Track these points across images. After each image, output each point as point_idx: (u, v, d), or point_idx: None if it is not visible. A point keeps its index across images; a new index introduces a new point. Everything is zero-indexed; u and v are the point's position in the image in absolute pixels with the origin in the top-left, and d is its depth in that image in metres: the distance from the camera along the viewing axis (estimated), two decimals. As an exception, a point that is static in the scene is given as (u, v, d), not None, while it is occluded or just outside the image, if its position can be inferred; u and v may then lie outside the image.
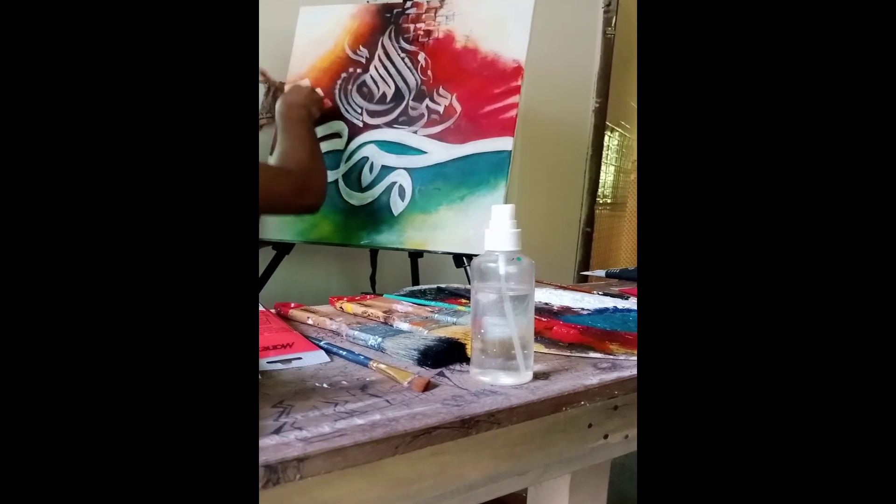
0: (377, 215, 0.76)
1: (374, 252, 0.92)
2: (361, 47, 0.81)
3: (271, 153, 0.74)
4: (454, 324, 0.48)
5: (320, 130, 0.80)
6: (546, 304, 0.60)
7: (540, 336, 0.46)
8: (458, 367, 0.38)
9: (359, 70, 0.81)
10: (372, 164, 0.78)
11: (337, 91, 0.82)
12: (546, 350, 0.42)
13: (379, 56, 0.79)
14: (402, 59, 0.78)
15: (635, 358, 0.40)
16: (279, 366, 0.37)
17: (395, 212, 0.75)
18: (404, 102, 0.77)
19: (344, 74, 0.81)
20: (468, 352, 0.38)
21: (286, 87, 0.79)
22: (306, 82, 0.80)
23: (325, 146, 0.81)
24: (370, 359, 0.38)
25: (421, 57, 0.77)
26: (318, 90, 0.78)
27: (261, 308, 0.49)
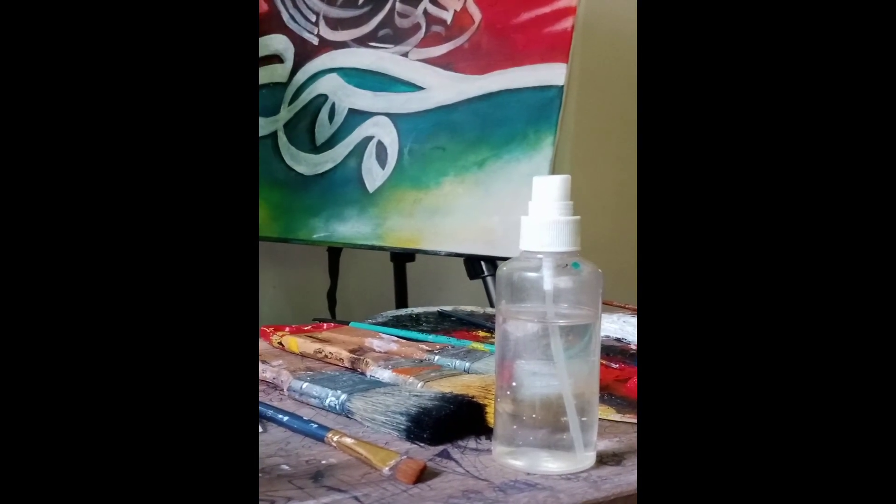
0: (340, 192, 0.76)
1: (334, 253, 0.92)
2: (319, -85, 0.81)
3: None
4: (466, 372, 0.49)
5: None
6: (619, 340, 0.60)
7: (609, 394, 0.46)
8: (472, 442, 0.38)
9: (314, -48, 0.81)
10: (333, 106, 0.78)
11: (277, -14, 0.82)
12: (619, 417, 0.43)
13: (347, -72, 0.80)
14: (386, -67, 0.78)
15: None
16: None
17: (371, 186, 0.75)
18: (388, 5, 0.77)
19: (289, -41, 0.82)
20: (490, 419, 0.38)
21: None
22: None
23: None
24: (328, 428, 0.39)
25: (416, -70, 0.77)
26: None
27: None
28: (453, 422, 0.39)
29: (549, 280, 0.35)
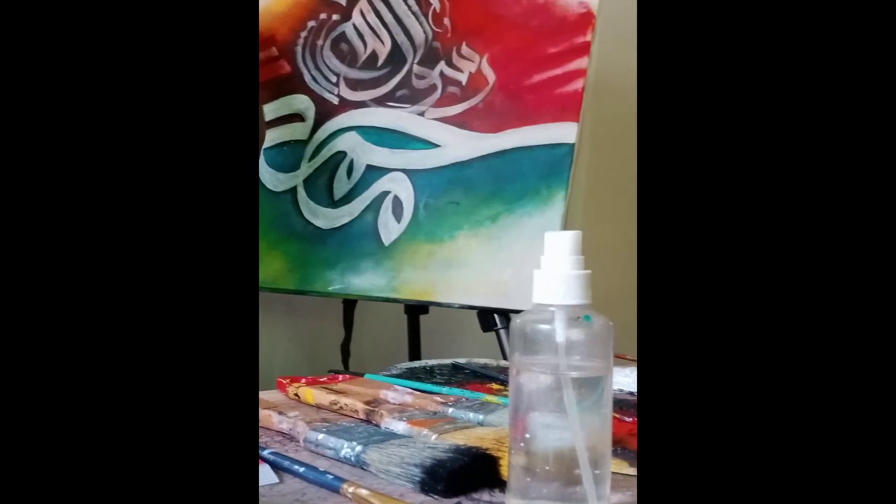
0: (356, 245, 0.77)
1: (349, 305, 0.93)
2: (341, -17, 0.85)
3: None
4: (479, 424, 0.49)
5: (269, 109, 0.83)
6: (632, 393, 0.60)
7: (622, 448, 0.45)
8: (486, 495, 0.38)
9: (335, 16, 0.84)
10: (352, 162, 0.80)
11: (299, 49, 0.85)
12: (632, 471, 0.42)
13: (368, -5, 0.83)
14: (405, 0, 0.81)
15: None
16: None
17: (386, 240, 0.76)
18: (405, 67, 0.80)
19: (312, 23, 0.85)
20: (503, 471, 0.38)
21: None
22: None
23: (279, 133, 0.84)
24: (344, 480, 0.38)
25: (433, -2, 0.80)
26: None
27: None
28: (467, 474, 0.39)
29: (561, 332, 0.35)
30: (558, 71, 0.72)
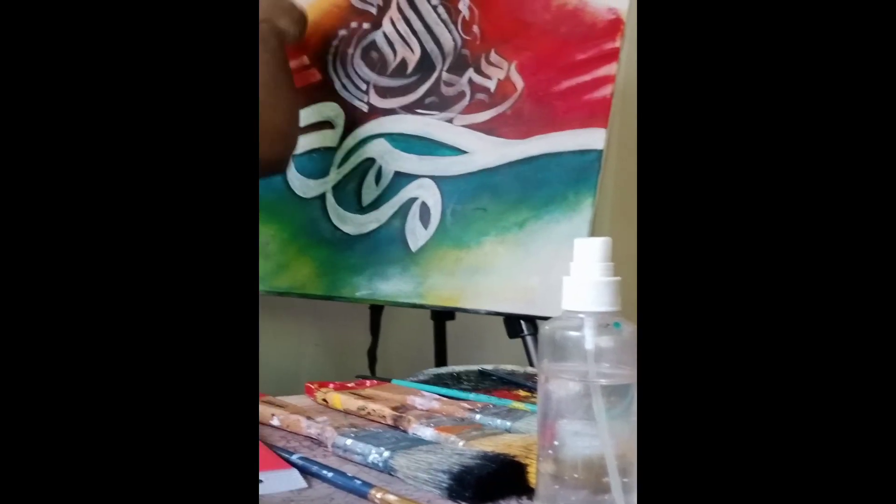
0: (383, 251, 0.78)
1: (375, 311, 0.93)
2: (371, -9, 0.86)
3: None
4: (507, 431, 0.49)
5: (304, 115, 0.84)
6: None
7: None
8: (513, 502, 0.39)
9: (366, 25, 0.84)
10: (380, 169, 0.81)
11: (331, 58, 0.86)
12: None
13: (398, 4, 0.83)
14: (434, 8, 0.81)
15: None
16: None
17: (414, 246, 0.77)
18: (434, 74, 0.80)
19: (343, 32, 0.86)
20: (531, 479, 0.38)
21: None
22: None
23: (309, 140, 0.85)
24: (371, 485, 0.39)
25: (463, 4, 0.79)
26: None
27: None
28: (495, 481, 0.39)
29: (590, 339, 0.35)
30: (587, 77, 0.72)
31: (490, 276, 0.72)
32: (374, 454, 0.43)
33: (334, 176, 0.83)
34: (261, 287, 0.82)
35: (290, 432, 0.50)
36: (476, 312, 0.73)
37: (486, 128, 0.76)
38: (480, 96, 0.77)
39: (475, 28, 0.79)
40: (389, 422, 0.52)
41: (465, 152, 0.77)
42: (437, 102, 0.79)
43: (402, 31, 0.83)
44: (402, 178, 0.79)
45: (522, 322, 0.73)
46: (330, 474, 0.41)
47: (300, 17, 0.79)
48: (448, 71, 0.80)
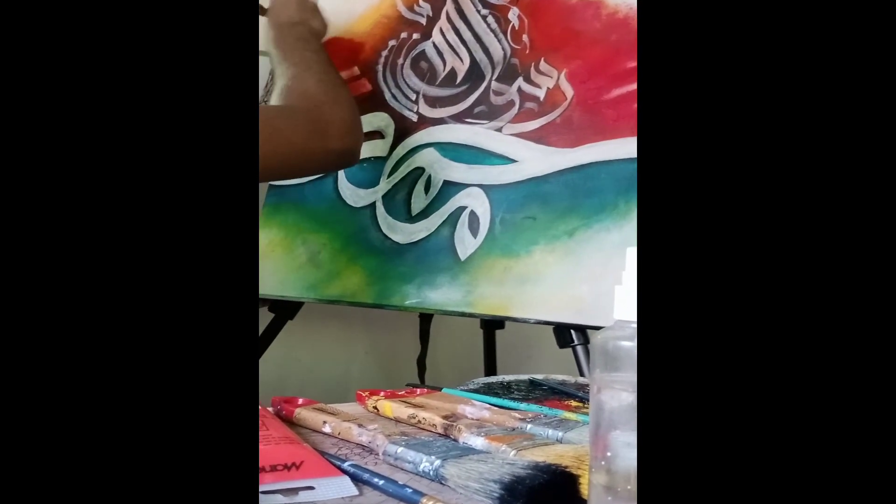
0: (433, 260, 0.78)
1: (425, 319, 0.94)
2: (422, 1, 0.86)
3: (266, 98, 0.78)
4: (559, 441, 0.48)
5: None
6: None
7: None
8: (567, 515, 0.38)
9: (416, 35, 0.85)
10: (430, 178, 0.81)
11: (380, 68, 0.87)
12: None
13: (448, 14, 0.84)
14: (484, 17, 0.81)
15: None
16: (280, 498, 0.38)
17: (463, 255, 0.76)
18: (484, 84, 0.80)
19: (392, 42, 0.87)
20: (583, 490, 0.37)
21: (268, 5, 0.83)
22: None
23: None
24: (423, 494, 0.39)
25: (513, 14, 0.80)
26: None
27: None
28: (547, 491, 0.38)
29: None
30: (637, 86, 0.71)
31: (539, 285, 0.71)
32: (426, 462, 0.43)
33: (384, 185, 0.84)
34: (312, 295, 0.84)
35: (342, 440, 0.51)
36: (525, 321, 0.73)
37: (536, 136, 0.76)
38: (530, 105, 0.77)
39: (525, 37, 0.79)
40: (440, 430, 0.52)
41: (514, 161, 0.76)
42: (487, 112, 0.80)
43: (451, 41, 0.83)
44: (451, 187, 0.79)
45: (572, 331, 0.72)
46: (381, 482, 0.41)
47: (320, 13, 0.82)
48: (497, 80, 0.80)
